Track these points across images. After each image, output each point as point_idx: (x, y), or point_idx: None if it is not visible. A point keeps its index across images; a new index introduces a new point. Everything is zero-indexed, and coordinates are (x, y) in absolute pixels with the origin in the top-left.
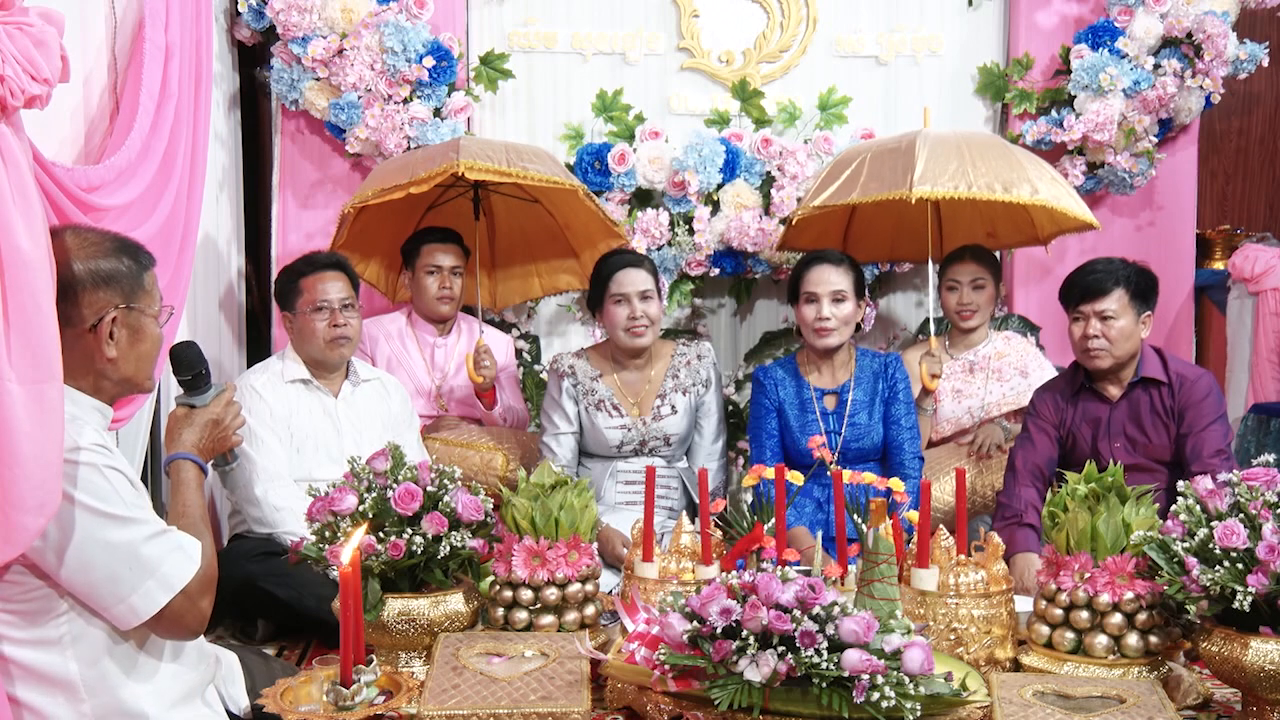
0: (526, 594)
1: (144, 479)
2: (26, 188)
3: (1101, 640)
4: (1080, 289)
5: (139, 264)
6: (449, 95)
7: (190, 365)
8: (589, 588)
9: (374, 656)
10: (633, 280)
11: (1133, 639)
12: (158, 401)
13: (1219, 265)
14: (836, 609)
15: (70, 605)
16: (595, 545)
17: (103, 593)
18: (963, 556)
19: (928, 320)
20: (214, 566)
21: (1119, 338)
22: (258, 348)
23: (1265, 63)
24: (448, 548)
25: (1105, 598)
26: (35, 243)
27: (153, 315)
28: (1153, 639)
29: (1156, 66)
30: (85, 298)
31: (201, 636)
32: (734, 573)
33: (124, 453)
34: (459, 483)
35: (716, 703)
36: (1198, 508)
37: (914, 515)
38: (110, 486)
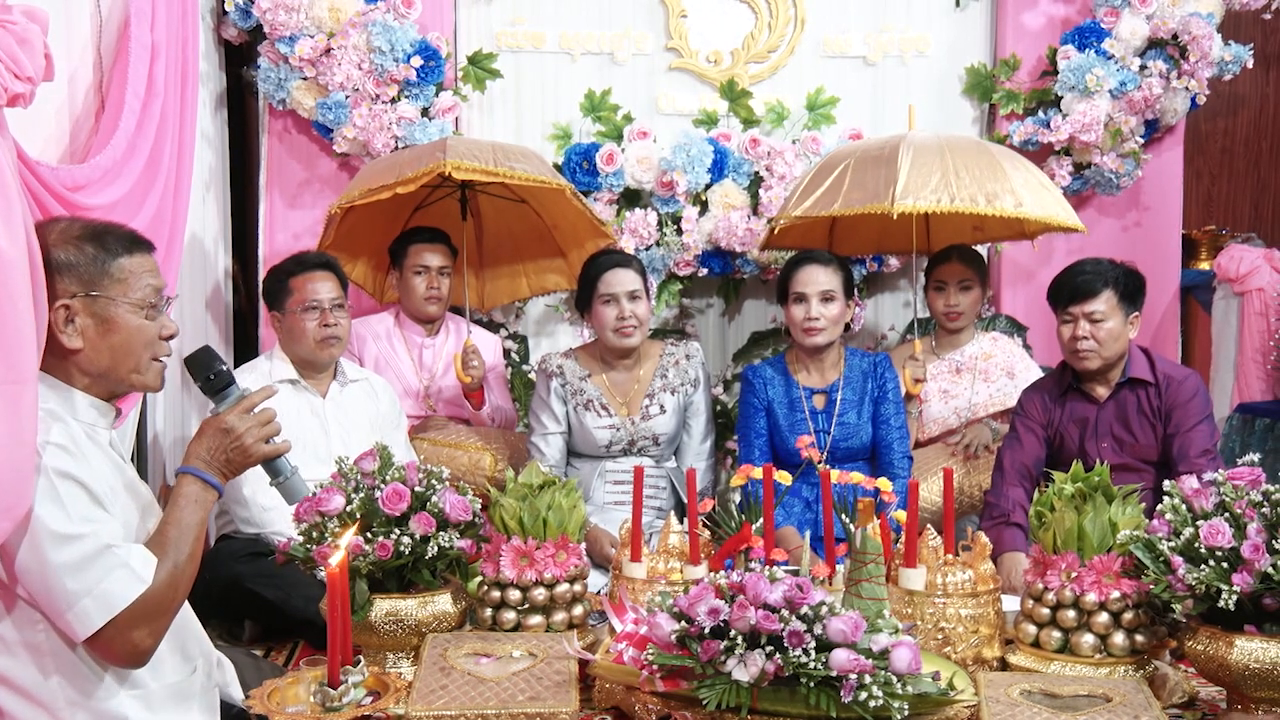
0: (514, 594)
1: None
2: (6, 185)
3: (1088, 639)
4: (1069, 290)
5: (106, 250)
6: (437, 95)
7: (199, 370)
8: (577, 588)
9: (361, 657)
10: (621, 280)
11: (1119, 638)
12: (144, 402)
13: (1204, 265)
14: (824, 609)
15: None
16: (583, 545)
17: (45, 603)
18: (950, 556)
19: (914, 321)
20: (169, 591)
21: (1108, 339)
22: (245, 348)
23: (1250, 64)
24: (435, 548)
25: (1092, 597)
26: (13, 241)
27: (132, 304)
28: (1139, 638)
29: (1142, 68)
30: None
31: (205, 636)
32: (722, 572)
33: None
34: (447, 483)
35: (704, 702)
36: (1183, 507)
37: (902, 515)
38: (54, 493)
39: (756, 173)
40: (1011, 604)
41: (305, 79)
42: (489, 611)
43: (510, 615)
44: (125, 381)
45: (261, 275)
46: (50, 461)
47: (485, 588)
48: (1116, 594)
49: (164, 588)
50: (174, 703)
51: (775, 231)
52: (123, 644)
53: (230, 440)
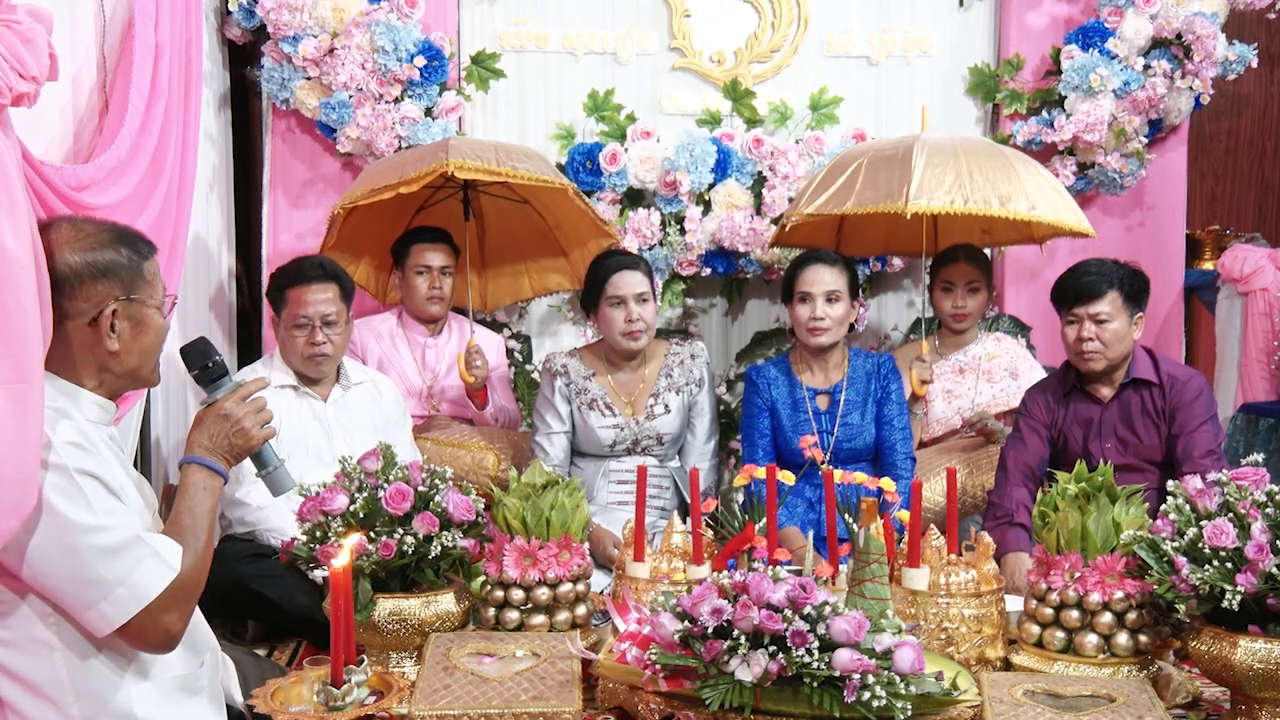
0: (518, 594)
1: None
2: (12, 185)
3: (1091, 639)
4: (1074, 291)
5: (138, 254)
6: (440, 95)
7: (196, 359)
8: (580, 587)
9: (365, 657)
10: (629, 282)
11: (1123, 638)
12: (148, 399)
13: (1208, 265)
14: (828, 609)
15: (55, 607)
16: (586, 545)
17: (70, 598)
18: (953, 556)
19: (919, 320)
20: (194, 576)
21: (1113, 340)
22: (248, 348)
23: (1254, 64)
24: (439, 548)
25: (1095, 597)
26: (20, 241)
27: (155, 306)
28: (1142, 638)
29: (1146, 67)
30: (83, 290)
31: (210, 632)
32: (725, 572)
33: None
34: (450, 482)
35: (708, 702)
36: (1187, 507)
37: (905, 515)
38: (77, 489)
39: (760, 173)
40: (1015, 604)
41: (309, 79)
42: (492, 611)
43: (513, 615)
44: (144, 380)
45: (265, 275)
46: (68, 459)
47: (489, 587)
48: (1120, 594)
49: (190, 572)
50: (183, 695)
51: (786, 229)
52: (155, 630)
53: (231, 425)
